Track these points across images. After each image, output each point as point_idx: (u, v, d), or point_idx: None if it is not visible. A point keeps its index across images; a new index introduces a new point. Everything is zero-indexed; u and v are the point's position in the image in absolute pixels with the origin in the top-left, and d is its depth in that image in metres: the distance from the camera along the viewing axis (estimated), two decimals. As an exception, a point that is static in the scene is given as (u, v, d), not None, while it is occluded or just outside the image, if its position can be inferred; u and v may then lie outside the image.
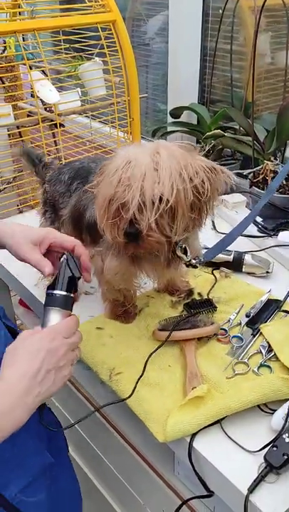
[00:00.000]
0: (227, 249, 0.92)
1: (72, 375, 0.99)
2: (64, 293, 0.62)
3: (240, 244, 1.04)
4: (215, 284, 0.91)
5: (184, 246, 0.72)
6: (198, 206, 0.65)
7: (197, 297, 0.88)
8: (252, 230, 1.07)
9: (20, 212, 1.40)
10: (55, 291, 0.62)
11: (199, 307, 0.83)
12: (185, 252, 0.72)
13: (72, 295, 0.63)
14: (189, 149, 0.65)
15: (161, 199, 0.61)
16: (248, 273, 0.94)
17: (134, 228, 0.62)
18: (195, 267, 0.75)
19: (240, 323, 0.81)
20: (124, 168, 0.62)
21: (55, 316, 0.61)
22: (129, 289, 0.82)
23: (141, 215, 0.62)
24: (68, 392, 1.03)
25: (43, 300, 0.89)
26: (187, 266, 0.75)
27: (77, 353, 0.61)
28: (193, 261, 0.74)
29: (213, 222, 1.14)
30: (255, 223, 1.09)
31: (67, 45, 1.36)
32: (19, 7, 1.32)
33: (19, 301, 1.19)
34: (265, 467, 0.59)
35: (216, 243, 0.82)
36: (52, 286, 0.62)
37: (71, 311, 0.63)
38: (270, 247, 1.00)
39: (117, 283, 0.79)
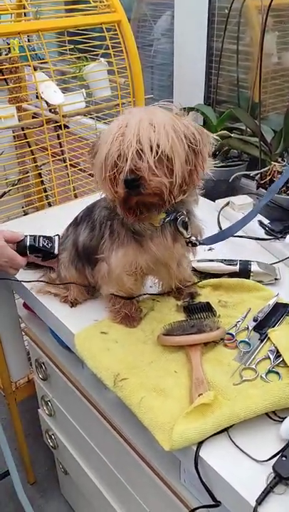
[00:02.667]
0: (231, 259, 0.93)
1: (76, 380, 0.99)
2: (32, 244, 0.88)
3: (247, 248, 1.03)
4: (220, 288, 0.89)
5: (185, 219, 0.75)
6: (192, 158, 0.67)
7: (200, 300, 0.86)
8: (259, 232, 1.06)
9: (25, 213, 1.40)
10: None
11: (198, 311, 0.82)
12: (186, 228, 0.75)
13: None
14: (179, 113, 0.69)
15: (158, 147, 0.63)
16: (256, 282, 0.92)
17: (135, 174, 0.63)
18: (194, 245, 0.78)
19: (247, 328, 0.79)
20: (119, 127, 0.64)
21: None
22: (137, 289, 0.81)
23: (140, 161, 0.63)
24: (72, 396, 1.02)
25: (46, 304, 0.89)
26: (187, 244, 0.77)
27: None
28: (193, 238, 0.77)
29: (219, 222, 1.13)
30: (263, 226, 1.07)
31: (72, 46, 1.36)
32: (24, 8, 1.32)
33: (23, 304, 1.18)
34: (274, 478, 0.57)
35: (216, 233, 0.86)
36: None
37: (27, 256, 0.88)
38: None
39: (125, 282, 0.78)
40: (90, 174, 1.32)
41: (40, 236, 0.90)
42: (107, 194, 0.70)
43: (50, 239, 0.90)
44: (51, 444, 1.26)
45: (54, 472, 1.52)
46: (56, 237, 0.91)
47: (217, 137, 0.73)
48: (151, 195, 0.66)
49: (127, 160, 0.63)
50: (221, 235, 0.87)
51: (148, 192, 0.65)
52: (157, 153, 0.63)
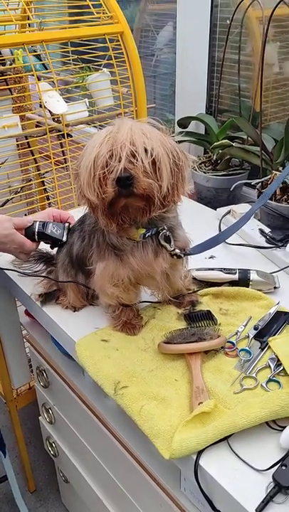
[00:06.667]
0: (230, 267, 0.93)
1: (77, 388, 0.99)
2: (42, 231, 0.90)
3: (249, 257, 1.04)
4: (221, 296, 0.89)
5: (167, 234, 0.75)
6: (176, 173, 0.68)
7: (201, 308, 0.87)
8: (260, 240, 1.06)
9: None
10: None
11: (198, 320, 0.82)
12: (169, 242, 0.75)
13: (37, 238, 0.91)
14: (165, 131, 0.70)
15: (152, 150, 0.64)
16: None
17: (128, 173, 0.63)
18: (179, 257, 0.78)
19: (248, 336, 0.80)
20: (109, 132, 0.66)
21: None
22: (130, 299, 0.81)
23: (134, 160, 0.64)
24: (73, 404, 1.02)
25: (47, 312, 0.90)
26: (172, 256, 0.77)
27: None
28: (177, 251, 0.77)
29: (220, 230, 1.13)
30: (263, 234, 1.07)
31: (76, 56, 1.37)
32: (28, 19, 1.34)
33: (25, 311, 1.18)
34: (274, 487, 0.57)
35: (206, 240, 0.86)
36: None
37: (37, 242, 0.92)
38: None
39: (110, 293, 0.78)
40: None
41: (49, 222, 0.91)
42: (90, 200, 0.68)
43: (59, 226, 0.92)
44: (52, 451, 1.25)
45: (54, 480, 1.52)
46: (66, 225, 0.92)
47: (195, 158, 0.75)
48: (140, 198, 0.66)
49: (120, 159, 0.63)
50: (211, 243, 0.87)
51: (139, 192, 0.65)
52: (152, 155, 0.64)
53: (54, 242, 0.91)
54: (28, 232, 0.91)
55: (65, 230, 0.92)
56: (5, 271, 1.01)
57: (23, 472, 1.53)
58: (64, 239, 0.90)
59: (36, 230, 0.90)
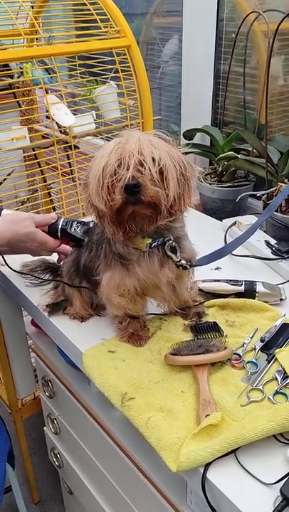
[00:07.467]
0: (236, 279, 0.93)
1: (83, 399, 0.99)
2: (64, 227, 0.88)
3: (254, 268, 1.04)
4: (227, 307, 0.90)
5: (173, 244, 0.75)
6: (182, 183, 0.69)
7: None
8: (266, 252, 1.07)
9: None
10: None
11: (205, 331, 0.82)
12: (175, 252, 0.76)
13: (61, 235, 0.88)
14: (172, 143, 0.71)
15: (160, 159, 0.66)
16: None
17: (136, 181, 0.65)
18: (185, 268, 0.78)
19: (254, 348, 0.80)
20: (118, 143, 0.67)
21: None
22: (136, 310, 0.82)
23: (142, 168, 0.65)
24: (78, 415, 1.02)
25: (54, 322, 0.90)
26: (178, 267, 0.77)
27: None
28: (183, 262, 0.77)
29: (226, 242, 1.14)
30: (269, 246, 1.08)
31: (83, 70, 1.39)
32: (36, 33, 1.36)
33: (31, 321, 1.19)
34: (282, 501, 0.57)
35: (212, 252, 0.86)
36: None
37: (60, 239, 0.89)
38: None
39: (116, 303, 0.79)
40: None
41: (74, 221, 0.89)
42: (98, 208, 0.69)
43: (84, 225, 0.88)
44: (56, 462, 1.25)
45: (59, 491, 1.51)
46: (92, 224, 0.88)
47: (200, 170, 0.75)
48: (147, 206, 0.67)
49: (128, 168, 0.65)
50: (217, 254, 0.87)
51: (146, 200, 0.66)
52: (159, 164, 0.66)
53: (76, 241, 0.88)
54: (52, 229, 0.88)
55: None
56: (12, 281, 1.02)
57: (28, 483, 1.52)
58: (86, 239, 0.87)
59: (60, 227, 0.87)
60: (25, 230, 0.84)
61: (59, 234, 0.88)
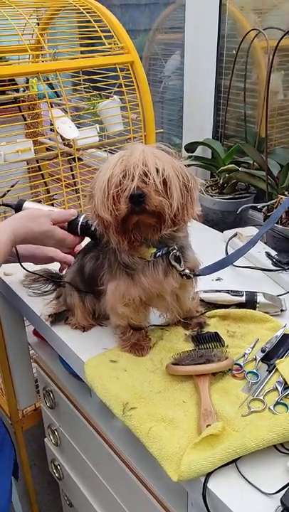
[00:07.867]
0: (237, 290, 0.94)
1: (84, 409, 0.99)
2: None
3: (255, 279, 1.05)
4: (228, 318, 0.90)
5: (177, 254, 0.77)
6: (185, 194, 0.71)
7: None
8: (266, 263, 1.08)
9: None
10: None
11: (206, 341, 0.83)
12: (179, 262, 0.77)
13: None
14: (175, 155, 0.73)
15: (164, 170, 0.67)
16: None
17: (141, 190, 0.66)
18: (189, 277, 0.79)
19: (255, 359, 0.80)
20: (122, 155, 0.69)
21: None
22: (139, 320, 0.82)
23: (146, 179, 0.67)
24: (79, 426, 1.02)
25: (56, 332, 0.91)
26: (182, 276, 0.78)
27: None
28: (187, 271, 0.79)
29: (227, 253, 1.15)
30: (270, 257, 1.09)
31: (87, 84, 1.42)
32: (42, 49, 1.39)
33: (33, 331, 1.19)
34: (282, 510, 0.57)
35: (215, 262, 0.88)
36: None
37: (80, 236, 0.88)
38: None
39: (121, 312, 0.80)
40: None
41: None
42: (104, 218, 0.70)
43: None
44: (57, 474, 1.24)
45: (59, 504, 1.49)
46: None
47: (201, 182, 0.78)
48: (151, 215, 0.69)
49: (133, 178, 0.67)
50: (220, 264, 0.88)
51: (151, 209, 0.68)
52: (163, 175, 0.68)
53: (96, 238, 0.85)
54: (72, 225, 0.85)
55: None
56: (15, 291, 1.03)
57: (27, 495, 1.51)
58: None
59: (80, 224, 0.85)
60: (41, 228, 0.82)
61: (79, 231, 0.86)
